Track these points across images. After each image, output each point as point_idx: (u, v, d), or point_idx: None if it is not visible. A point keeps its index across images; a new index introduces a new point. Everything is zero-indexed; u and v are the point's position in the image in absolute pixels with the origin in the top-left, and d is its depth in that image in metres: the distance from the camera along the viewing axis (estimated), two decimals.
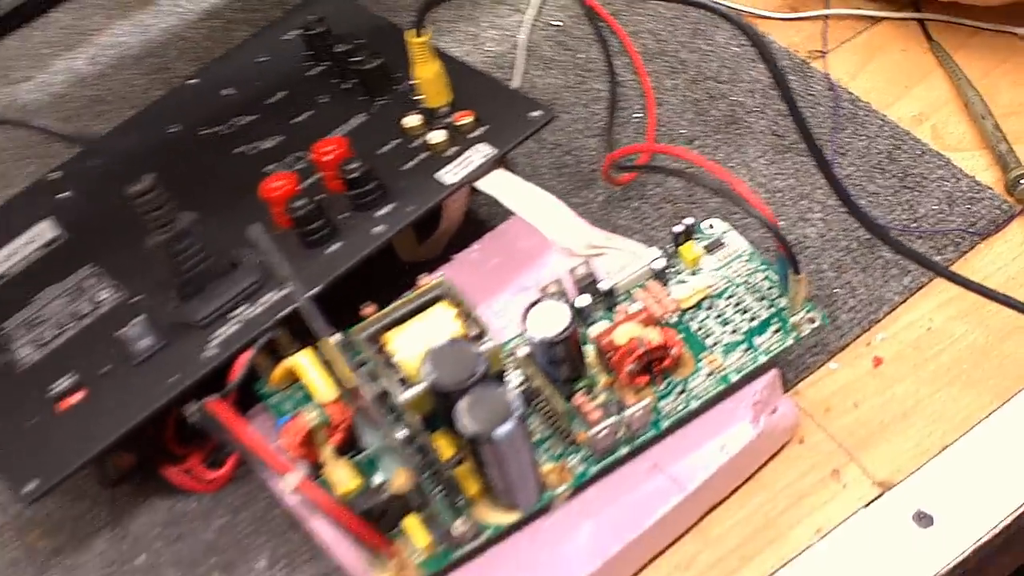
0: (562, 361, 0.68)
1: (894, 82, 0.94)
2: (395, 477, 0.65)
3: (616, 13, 1.02)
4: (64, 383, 0.76)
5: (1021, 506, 0.70)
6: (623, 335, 0.69)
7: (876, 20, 0.99)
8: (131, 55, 1.11)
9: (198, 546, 0.76)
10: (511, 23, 1.04)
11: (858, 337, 0.78)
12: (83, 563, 0.76)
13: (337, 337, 0.70)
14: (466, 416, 0.61)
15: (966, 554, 0.69)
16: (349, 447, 0.71)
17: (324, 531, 0.69)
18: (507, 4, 1.07)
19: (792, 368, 0.77)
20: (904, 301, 0.79)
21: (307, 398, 0.73)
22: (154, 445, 0.76)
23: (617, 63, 0.98)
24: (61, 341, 0.79)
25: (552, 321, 0.67)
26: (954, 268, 0.80)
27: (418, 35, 0.79)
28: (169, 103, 0.94)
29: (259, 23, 1.04)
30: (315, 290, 0.73)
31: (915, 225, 0.83)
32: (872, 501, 0.71)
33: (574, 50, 1.01)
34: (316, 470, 0.70)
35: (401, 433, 0.61)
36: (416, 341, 0.67)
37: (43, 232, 0.87)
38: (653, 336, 0.68)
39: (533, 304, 0.68)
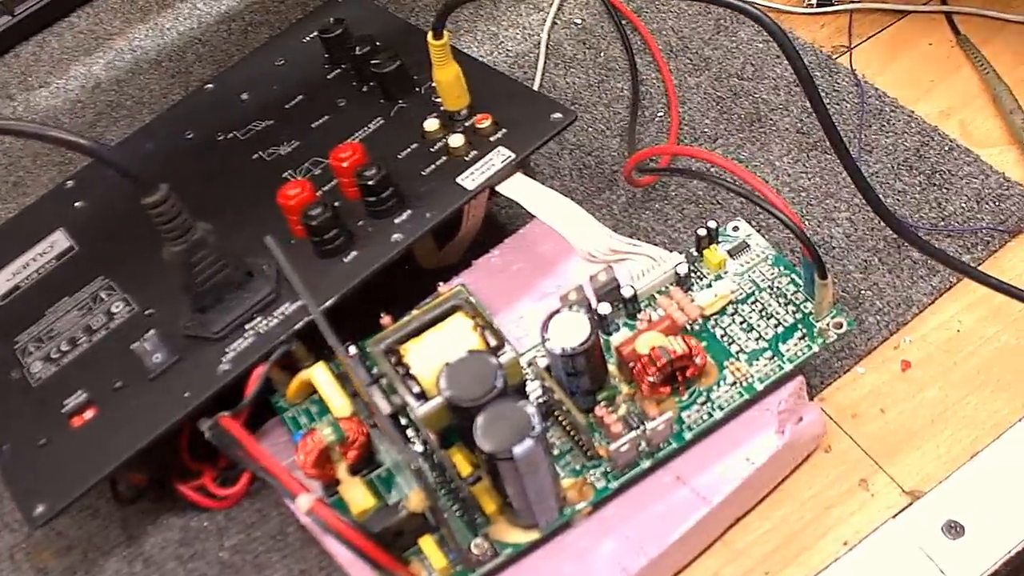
0: (582, 373, 0.66)
1: (921, 77, 0.92)
2: (411, 496, 0.64)
3: (638, 10, 1.01)
4: (77, 399, 0.75)
5: None
6: (645, 344, 0.67)
7: (902, 14, 0.97)
8: (149, 59, 1.10)
9: (212, 565, 0.75)
10: (532, 21, 1.03)
11: (886, 340, 0.77)
12: None
13: (353, 350, 0.69)
14: (483, 433, 0.60)
15: (998, 565, 0.67)
16: (366, 463, 0.69)
17: (339, 550, 0.68)
18: (528, 2, 1.05)
19: (818, 373, 0.76)
20: (933, 302, 0.78)
21: (324, 411, 0.72)
22: (168, 461, 0.75)
23: (639, 61, 0.97)
24: (74, 356, 0.78)
25: (572, 332, 0.65)
26: (984, 267, 0.79)
27: (437, 38, 0.77)
28: (185, 108, 0.93)
29: (279, 26, 1.03)
30: (329, 303, 0.72)
31: (943, 224, 0.81)
32: (901, 511, 0.70)
33: (596, 48, 0.99)
34: (332, 487, 0.68)
35: (414, 456, 0.59)
36: (433, 353, 0.66)
37: (57, 243, 0.86)
38: (676, 345, 0.67)
39: (553, 314, 0.66)
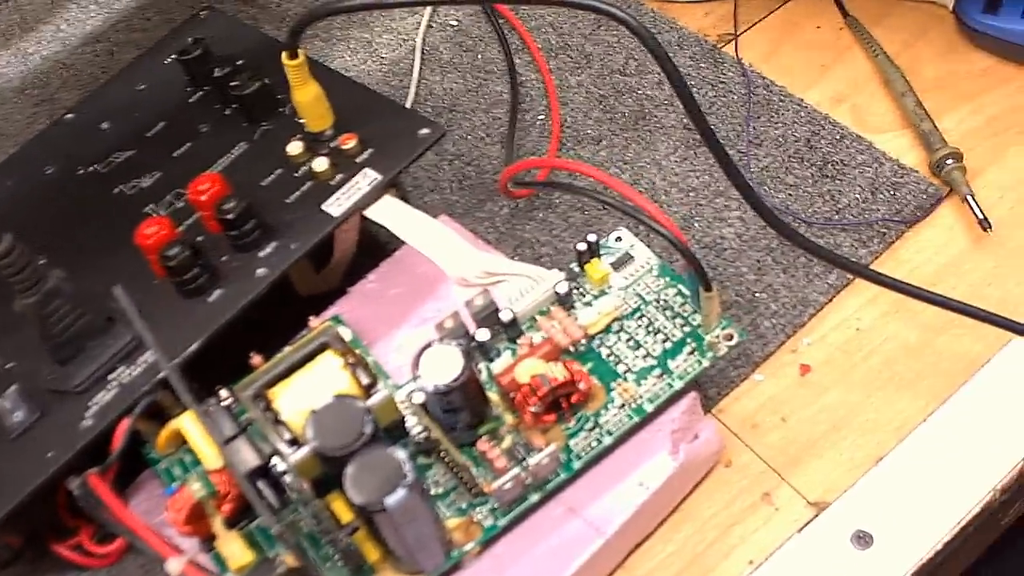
0: (460, 408, 0.63)
1: (810, 62, 0.89)
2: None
3: (515, 8, 0.97)
4: None
5: (965, 516, 0.67)
6: (525, 373, 0.64)
7: None
8: (12, 87, 1.05)
9: None
10: (407, 25, 0.98)
11: (783, 344, 0.74)
12: None
13: (225, 393, 0.66)
14: (353, 484, 0.57)
15: (910, 574, 0.65)
16: (243, 514, 0.66)
17: None
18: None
19: (714, 383, 0.73)
20: (830, 301, 0.75)
21: (198, 461, 0.68)
22: (43, 519, 0.70)
23: (519, 61, 0.93)
24: None
25: (444, 367, 0.62)
26: (881, 260, 0.77)
27: (292, 57, 0.73)
28: (45, 141, 0.88)
29: (146, 45, 0.98)
30: (192, 348, 0.68)
31: (838, 217, 0.78)
32: (807, 524, 0.67)
33: (473, 51, 0.95)
34: (209, 542, 0.65)
35: (273, 520, 0.56)
36: (302, 396, 0.62)
37: None
38: (557, 372, 0.64)
39: (424, 349, 0.63)
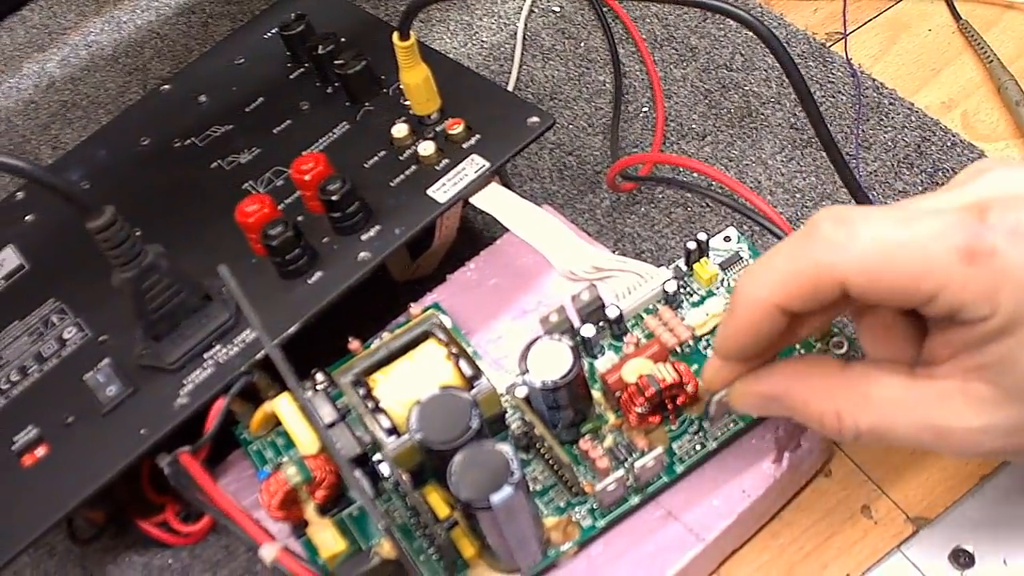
0: (564, 406, 0.62)
1: (920, 66, 0.87)
2: (383, 542, 0.60)
3: None
4: (27, 436, 0.69)
5: None
6: (632, 372, 0.63)
7: None
8: (104, 55, 1.04)
9: None
10: (508, 10, 0.97)
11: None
12: None
13: (321, 377, 0.65)
14: (458, 480, 0.55)
15: None
16: (336, 501, 0.64)
17: None
18: None
19: None
20: None
21: (291, 444, 0.67)
22: (128, 495, 0.70)
23: (622, 51, 0.92)
24: (24, 387, 0.72)
25: (553, 363, 0.60)
26: None
27: (403, 39, 0.72)
28: (140, 112, 0.87)
29: (241, 18, 0.98)
30: (291, 330, 0.67)
31: None
32: (906, 540, 0.65)
33: (575, 38, 0.94)
34: (300, 528, 0.64)
35: (381, 514, 0.55)
36: (404, 385, 0.61)
37: (6, 261, 0.80)
38: (665, 373, 0.62)
39: (532, 343, 0.61)
